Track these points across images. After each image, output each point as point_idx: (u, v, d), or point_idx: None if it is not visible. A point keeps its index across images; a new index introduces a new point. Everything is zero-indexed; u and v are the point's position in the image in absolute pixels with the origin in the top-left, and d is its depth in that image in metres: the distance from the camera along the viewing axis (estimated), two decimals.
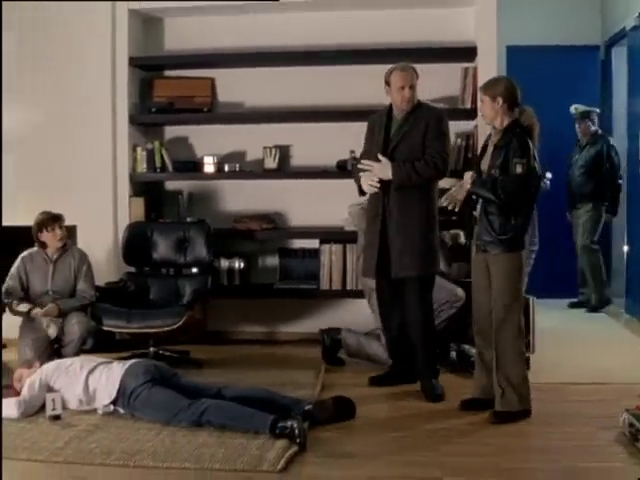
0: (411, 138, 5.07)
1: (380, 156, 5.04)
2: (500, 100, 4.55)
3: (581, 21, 8.36)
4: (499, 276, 4.59)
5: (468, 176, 4.68)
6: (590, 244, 7.79)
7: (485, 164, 4.68)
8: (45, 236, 5.77)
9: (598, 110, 7.89)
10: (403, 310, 5.20)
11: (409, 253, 5.05)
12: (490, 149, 4.68)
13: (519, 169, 4.44)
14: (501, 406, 4.55)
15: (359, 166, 5.16)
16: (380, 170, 5.02)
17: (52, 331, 5.60)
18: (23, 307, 5.65)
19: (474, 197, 4.70)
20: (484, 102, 4.64)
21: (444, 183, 5.47)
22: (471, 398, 4.78)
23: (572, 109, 7.81)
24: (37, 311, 5.59)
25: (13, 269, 5.79)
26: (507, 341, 4.56)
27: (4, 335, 6.06)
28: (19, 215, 6.46)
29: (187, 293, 6.05)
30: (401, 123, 5.12)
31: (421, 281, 5.11)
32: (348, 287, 6.42)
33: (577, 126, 7.89)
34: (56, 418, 4.54)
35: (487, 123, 4.76)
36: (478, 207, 4.69)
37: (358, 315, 6.18)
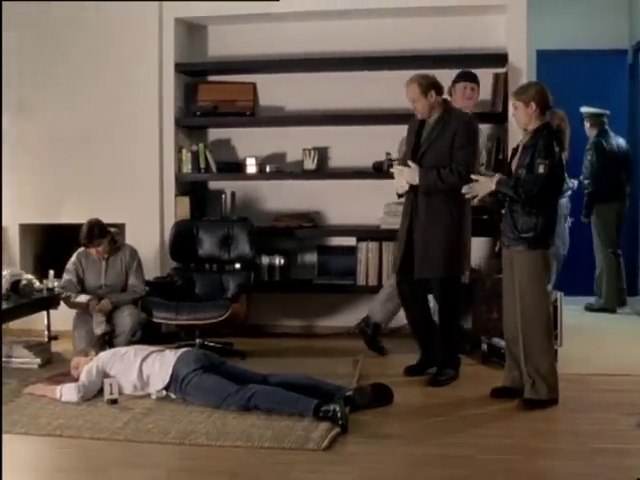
0: (439, 145, 5.30)
1: (410, 162, 5.30)
2: (533, 105, 4.72)
3: (609, 25, 8.40)
4: (522, 273, 4.78)
5: (494, 178, 4.90)
6: (600, 246, 7.90)
7: (515, 164, 4.90)
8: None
9: (607, 112, 7.80)
10: (423, 304, 5.50)
11: (431, 255, 5.29)
12: (520, 150, 4.88)
13: (541, 169, 4.61)
14: (530, 394, 4.76)
15: (391, 170, 5.47)
16: (409, 174, 5.29)
17: (99, 330, 5.89)
18: (81, 298, 5.98)
19: (500, 196, 4.92)
20: (518, 108, 4.80)
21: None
22: (501, 387, 5.02)
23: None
24: (93, 304, 5.92)
25: (70, 265, 6.13)
26: (535, 336, 4.75)
27: (57, 327, 6.46)
28: (71, 213, 6.85)
29: (231, 288, 6.31)
30: (432, 127, 5.35)
31: (443, 283, 5.35)
32: (384, 283, 6.61)
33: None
34: (113, 402, 4.83)
35: (521, 127, 4.95)
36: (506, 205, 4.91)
37: None
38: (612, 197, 7.80)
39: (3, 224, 6.97)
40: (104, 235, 6.07)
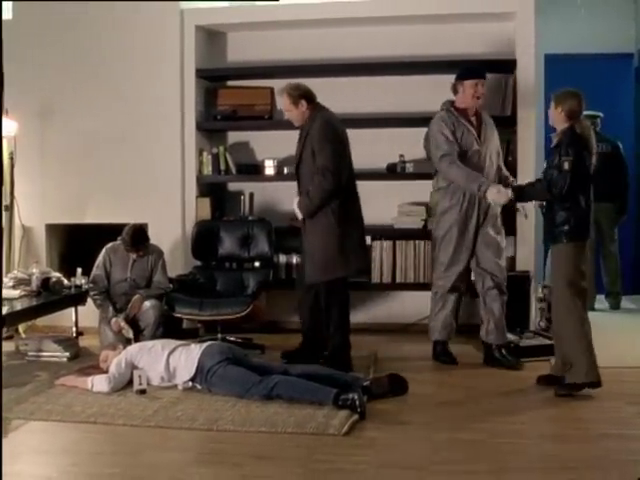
0: (305, 154, 5.53)
1: (295, 197, 5.61)
2: (559, 108, 5.00)
3: (615, 29, 8.50)
4: (553, 265, 5.08)
5: (510, 192, 5.30)
6: None
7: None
8: None
9: (600, 114, 7.70)
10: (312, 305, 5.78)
11: (307, 263, 5.63)
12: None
13: (566, 166, 4.86)
14: (568, 379, 4.98)
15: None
16: (297, 205, 5.59)
17: (130, 334, 6.11)
18: (112, 321, 6.19)
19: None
20: (551, 110, 5.09)
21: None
22: (547, 375, 5.24)
23: None
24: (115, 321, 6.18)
25: (99, 260, 6.39)
26: (562, 326, 5.00)
27: (81, 324, 6.71)
28: (95, 214, 7.13)
29: (251, 285, 6.54)
30: (300, 136, 5.62)
31: (324, 286, 5.59)
32: (397, 280, 6.87)
33: None
34: (142, 392, 5.08)
35: (555, 127, 5.20)
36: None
37: (406, 306, 6.65)
38: None
39: (30, 224, 7.28)
40: (144, 241, 6.33)
